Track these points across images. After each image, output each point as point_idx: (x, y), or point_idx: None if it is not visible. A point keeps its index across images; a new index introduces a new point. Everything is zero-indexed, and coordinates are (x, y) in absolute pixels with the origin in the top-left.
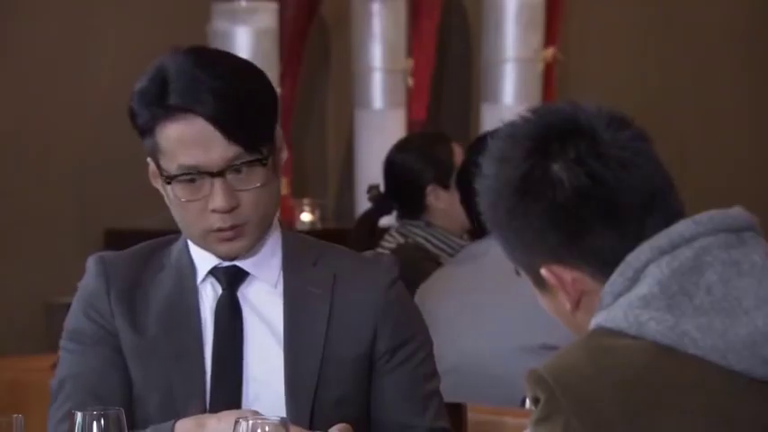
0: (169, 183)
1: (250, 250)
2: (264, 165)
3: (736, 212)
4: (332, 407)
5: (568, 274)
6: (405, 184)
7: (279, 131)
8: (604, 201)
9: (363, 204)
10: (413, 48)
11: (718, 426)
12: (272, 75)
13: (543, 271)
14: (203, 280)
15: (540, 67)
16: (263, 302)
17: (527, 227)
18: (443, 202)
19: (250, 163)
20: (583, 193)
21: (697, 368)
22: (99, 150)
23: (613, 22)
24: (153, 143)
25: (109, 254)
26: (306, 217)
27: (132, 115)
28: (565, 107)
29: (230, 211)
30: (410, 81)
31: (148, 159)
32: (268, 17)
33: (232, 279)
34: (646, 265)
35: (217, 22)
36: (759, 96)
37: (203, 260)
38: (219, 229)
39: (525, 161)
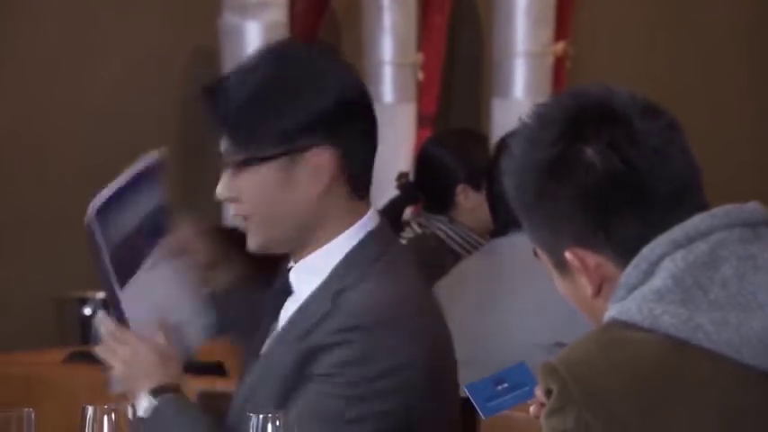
0: None
1: (265, 248)
2: (249, 165)
3: (753, 207)
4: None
5: (592, 259)
6: (436, 178)
7: (319, 136)
8: (636, 187)
9: (374, 198)
10: (423, 42)
11: (730, 421)
12: None
13: (567, 254)
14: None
15: (550, 61)
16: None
17: (555, 209)
18: (472, 203)
19: (237, 161)
20: (615, 178)
21: (710, 363)
22: (102, 149)
23: (622, 16)
24: None
25: None
26: None
27: None
28: (598, 91)
29: (231, 201)
30: (420, 75)
31: None
32: (278, 11)
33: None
34: (661, 258)
35: (227, 17)
36: (764, 92)
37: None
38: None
39: (557, 143)
